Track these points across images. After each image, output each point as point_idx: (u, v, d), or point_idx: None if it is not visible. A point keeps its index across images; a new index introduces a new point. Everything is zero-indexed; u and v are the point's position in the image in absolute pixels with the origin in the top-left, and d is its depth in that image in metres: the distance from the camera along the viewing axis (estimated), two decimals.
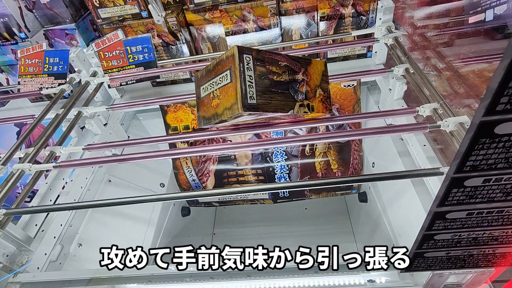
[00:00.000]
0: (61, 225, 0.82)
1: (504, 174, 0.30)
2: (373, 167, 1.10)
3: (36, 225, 0.82)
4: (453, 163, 0.29)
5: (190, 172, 1.24)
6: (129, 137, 1.19)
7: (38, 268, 0.73)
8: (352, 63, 1.11)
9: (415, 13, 0.90)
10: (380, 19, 0.96)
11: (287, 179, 1.21)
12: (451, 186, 0.32)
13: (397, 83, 0.85)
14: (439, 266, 0.46)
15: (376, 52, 1.05)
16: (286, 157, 1.18)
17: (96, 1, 1.00)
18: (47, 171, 1.04)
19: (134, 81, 1.06)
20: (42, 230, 0.80)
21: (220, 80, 0.60)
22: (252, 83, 0.57)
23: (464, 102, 0.73)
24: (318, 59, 0.68)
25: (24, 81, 1.05)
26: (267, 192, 1.27)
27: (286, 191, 1.27)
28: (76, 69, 1.08)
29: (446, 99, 0.78)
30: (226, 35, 1.07)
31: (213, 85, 0.63)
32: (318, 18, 1.02)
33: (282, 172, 1.20)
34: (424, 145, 0.76)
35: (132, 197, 0.65)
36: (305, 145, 1.18)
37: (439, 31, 0.81)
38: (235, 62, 0.56)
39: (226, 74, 0.58)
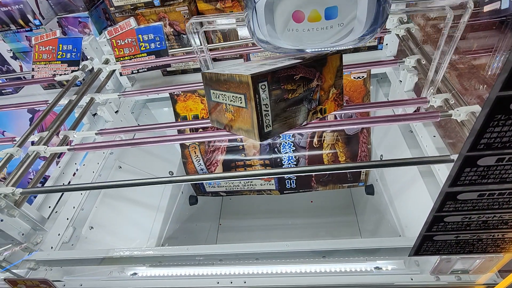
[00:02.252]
0: (74, 207, 0.84)
1: None
2: (381, 159, 1.10)
3: (49, 207, 0.84)
4: (467, 140, 0.30)
5: (199, 161, 1.25)
6: (138, 125, 1.21)
7: (52, 247, 0.75)
8: (363, 55, 1.11)
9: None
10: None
11: None
12: (464, 165, 0.32)
13: (408, 74, 0.85)
14: (448, 251, 0.46)
15: (387, 44, 1.05)
16: (294, 148, 1.19)
17: None
18: (59, 156, 1.06)
19: (146, 70, 1.08)
20: (56, 212, 0.82)
21: (234, 99, 0.58)
22: (268, 111, 0.56)
23: (475, 94, 0.73)
24: (334, 52, 0.64)
25: (38, 68, 1.07)
26: (274, 183, 1.28)
27: (293, 182, 1.28)
28: (88, 57, 1.09)
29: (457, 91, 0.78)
30: (238, 26, 1.07)
31: (225, 98, 0.60)
32: None
33: (289, 163, 1.21)
34: (434, 136, 0.76)
35: (143, 179, 0.67)
36: (313, 137, 1.18)
37: (453, 23, 0.80)
38: (250, 92, 0.53)
39: (241, 98, 0.56)
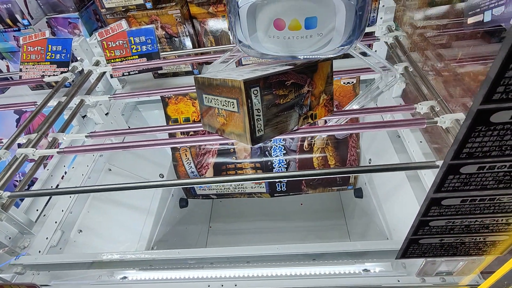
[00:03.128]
0: (62, 210, 0.83)
1: (497, 162, 0.32)
2: (369, 163, 1.12)
3: (37, 210, 0.83)
4: (451, 149, 0.31)
5: (189, 164, 1.25)
6: (129, 127, 1.20)
7: (39, 251, 0.74)
8: (352, 61, 1.13)
9: (415, 13, 0.92)
10: (381, 18, 0.98)
11: None
12: (448, 173, 0.34)
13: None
14: (433, 253, 0.48)
15: (376, 50, 1.07)
16: (285, 151, 1.20)
17: None
18: (47, 158, 1.04)
19: (137, 72, 1.07)
20: (44, 215, 0.81)
21: (226, 103, 0.58)
22: (260, 115, 0.56)
23: (460, 101, 0.75)
24: (325, 58, 0.65)
25: (26, 68, 1.05)
26: (264, 186, 1.29)
27: (283, 185, 1.29)
28: (78, 58, 1.08)
29: (445, 97, 0.80)
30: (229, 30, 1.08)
31: (218, 102, 0.61)
32: None
33: (280, 166, 1.22)
34: (421, 142, 0.79)
35: (133, 183, 0.67)
36: (303, 141, 1.20)
37: (438, 32, 0.83)
38: (242, 96, 0.54)
39: (233, 103, 0.57)
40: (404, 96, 0.95)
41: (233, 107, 0.58)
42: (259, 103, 0.56)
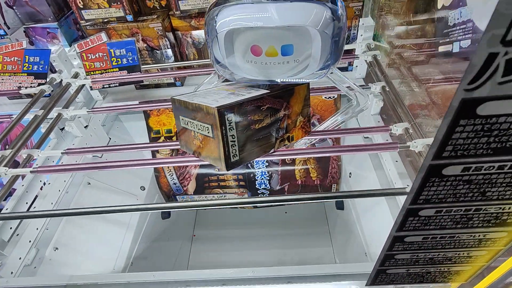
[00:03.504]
0: (37, 228, 0.81)
1: (453, 207, 0.33)
2: (350, 176, 1.14)
3: (11, 228, 0.81)
4: (408, 196, 0.32)
5: (172, 175, 1.25)
6: (110, 139, 1.18)
7: (11, 273, 0.73)
8: (333, 77, 1.14)
9: (393, 32, 0.94)
10: (361, 35, 1.00)
11: (268, 186, 1.24)
12: (408, 215, 0.35)
13: (374, 99, 0.89)
14: (401, 281, 0.49)
15: (356, 66, 1.09)
16: (267, 164, 1.21)
17: (79, 2, 0.99)
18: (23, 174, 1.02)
19: (117, 84, 1.06)
20: (17, 234, 0.79)
21: (201, 128, 0.58)
22: (234, 141, 0.57)
23: (434, 123, 0.77)
24: (302, 82, 0.66)
25: (2, 79, 1.02)
26: (247, 196, 1.29)
27: (266, 196, 1.29)
28: (57, 70, 1.06)
29: (418, 117, 0.82)
30: None
31: (193, 126, 0.61)
32: None
33: (262, 179, 1.23)
34: (396, 161, 0.80)
35: (110, 207, 0.66)
36: None
37: (414, 52, 0.85)
38: (216, 123, 0.54)
39: (208, 128, 0.57)
40: (383, 112, 0.97)
41: (208, 132, 0.58)
42: (233, 129, 0.57)
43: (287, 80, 0.64)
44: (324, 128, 0.79)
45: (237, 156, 0.59)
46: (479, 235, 0.38)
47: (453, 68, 0.62)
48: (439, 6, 0.63)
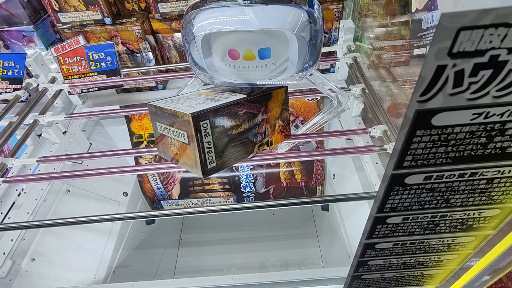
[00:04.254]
0: (12, 240, 0.79)
1: (419, 214, 0.33)
2: (333, 178, 1.14)
3: None
4: (374, 205, 0.32)
5: (155, 180, 1.23)
6: (91, 144, 1.16)
7: None
8: (314, 78, 1.15)
9: (372, 34, 0.94)
10: (342, 37, 1.00)
11: (253, 188, 1.24)
12: (376, 223, 0.35)
13: (355, 101, 0.89)
14: (376, 286, 0.49)
15: (338, 68, 1.09)
16: (252, 166, 1.20)
17: (55, 5, 0.96)
18: None
19: (97, 89, 1.04)
20: None
21: (178, 134, 0.57)
22: (210, 148, 0.56)
23: None
24: (279, 85, 0.65)
25: None
26: (232, 201, 1.28)
27: (251, 200, 1.29)
28: (33, 74, 1.03)
29: (400, 118, 0.83)
30: None
31: (170, 132, 0.59)
32: None
33: (247, 181, 1.22)
34: (376, 163, 0.81)
35: (90, 216, 0.64)
36: None
37: (392, 54, 0.86)
38: (191, 130, 0.53)
39: (184, 135, 0.56)
40: (364, 114, 0.97)
41: (184, 139, 0.57)
42: (209, 135, 0.56)
43: (267, 83, 0.64)
44: (307, 129, 0.79)
45: (213, 162, 0.58)
46: (447, 240, 0.38)
47: None
48: (413, 9, 0.63)
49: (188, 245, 1.58)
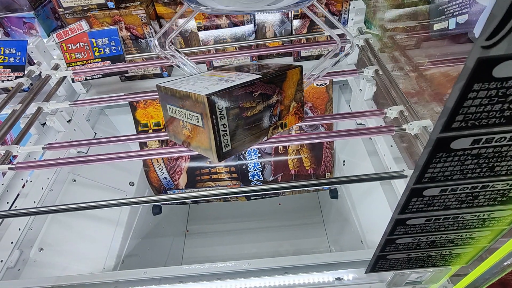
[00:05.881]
0: (20, 229, 0.77)
1: (459, 184, 0.31)
2: (343, 165, 1.13)
3: None
4: (413, 175, 0.30)
5: (162, 170, 1.21)
6: (95, 133, 1.14)
7: None
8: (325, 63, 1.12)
9: (384, 15, 0.92)
10: (352, 19, 0.97)
11: (260, 177, 1.22)
12: (411, 196, 0.33)
13: (367, 84, 0.87)
14: (401, 267, 0.48)
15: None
16: (260, 154, 1.18)
17: None
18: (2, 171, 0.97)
19: (101, 76, 1.01)
20: None
21: (190, 117, 0.55)
22: (226, 130, 0.54)
23: (429, 105, 0.76)
24: (294, 65, 0.62)
25: None
26: (240, 187, 1.26)
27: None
28: (35, 61, 1.01)
29: (414, 98, 0.81)
30: (199, 30, 1.04)
31: (182, 115, 0.57)
32: (292, 16, 1.02)
33: (255, 170, 1.20)
34: (391, 146, 0.79)
35: (98, 201, 0.62)
36: None
37: (407, 34, 0.83)
38: (206, 112, 0.51)
39: (198, 117, 0.53)
40: (377, 96, 0.95)
41: (198, 122, 0.54)
42: (224, 118, 0.53)
43: (267, 9, 0.60)
44: (313, 74, 0.75)
45: (229, 146, 0.56)
46: (483, 215, 0.36)
47: (451, 43, 0.60)
48: None
49: (194, 236, 1.57)
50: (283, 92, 0.62)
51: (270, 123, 0.61)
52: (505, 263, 0.44)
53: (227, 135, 0.55)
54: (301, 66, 0.63)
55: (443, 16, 0.56)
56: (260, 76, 0.58)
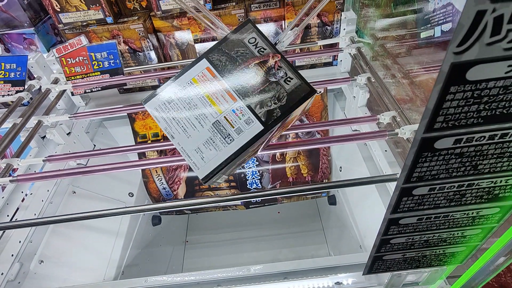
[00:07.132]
0: (20, 241, 0.78)
1: (446, 183, 0.33)
2: (340, 171, 1.14)
3: None
4: (401, 174, 0.31)
5: (160, 180, 1.22)
6: (95, 145, 1.15)
7: None
8: (319, 71, 1.15)
9: (375, 24, 0.95)
10: (344, 29, 1.00)
11: (259, 185, 1.23)
12: (401, 195, 0.34)
13: (360, 91, 0.89)
14: (397, 267, 0.49)
15: (341, 60, 1.09)
16: (257, 163, 1.20)
17: (56, 6, 0.96)
18: (3, 185, 0.98)
19: (100, 89, 1.03)
20: None
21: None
22: (221, 176, 0.54)
23: (419, 110, 0.78)
24: (307, 90, 0.52)
25: None
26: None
27: (258, 198, 1.28)
28: (35, 76, 1.02)
29: (406, 103, 0.83)
30: (195, 42, 1.07)
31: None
32: (286, 27, 1.05)
33: (253, 178, 1.21)
34: (386, 151, 0.80)
35: (98, 211, 0.63)
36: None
37: (397, 43, 0.86)
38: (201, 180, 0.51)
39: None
40: (372, 103, 0.97)
41: None
42: (222, 177, 0.53)
43: None
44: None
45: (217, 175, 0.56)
46: (472, 213, 0.38)
47: (439, 50, 0.62)
48: None
49: (194, 246, 1.56)
50: (284, 127, 0.58)
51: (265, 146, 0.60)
52: (497, 263, 0.45)
53: (221, 175, 0.53)
54: (315, 93, 0.51)
55: (429, 25, 0.59)
56: (262, 127, 0.50)
